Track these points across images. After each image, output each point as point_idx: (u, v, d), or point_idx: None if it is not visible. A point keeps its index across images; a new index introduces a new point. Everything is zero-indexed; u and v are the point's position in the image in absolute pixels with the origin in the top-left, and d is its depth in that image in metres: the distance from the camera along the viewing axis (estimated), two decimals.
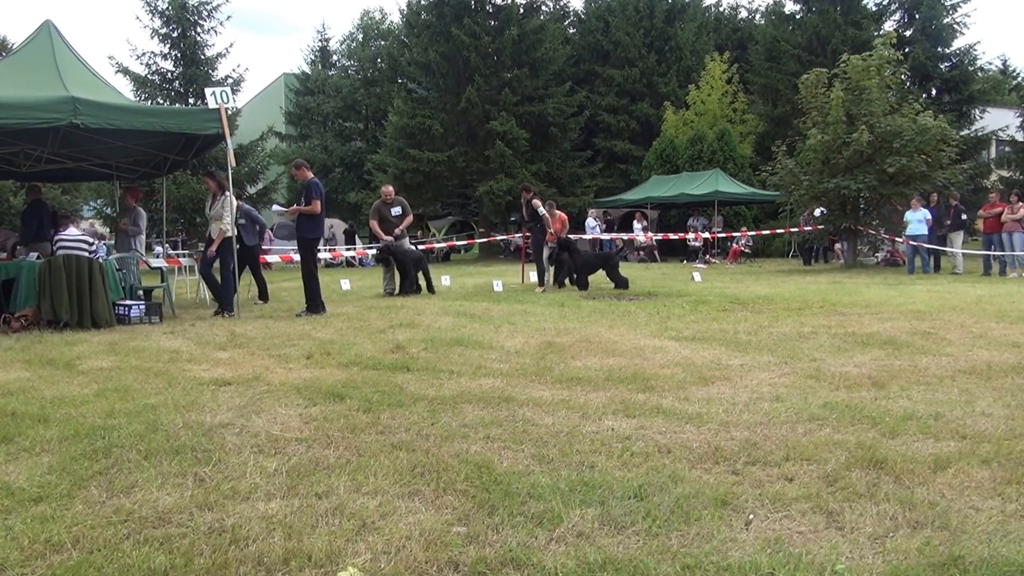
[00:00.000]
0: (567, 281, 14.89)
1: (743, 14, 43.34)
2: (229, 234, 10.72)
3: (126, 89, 27.97)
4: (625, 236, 27.50)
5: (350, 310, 11.07)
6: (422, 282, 13.75)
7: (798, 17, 34.01)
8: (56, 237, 9.88)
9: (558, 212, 16.21)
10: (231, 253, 10.84)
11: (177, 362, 6.89)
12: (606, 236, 27.22)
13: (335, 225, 29.89)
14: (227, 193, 10.81)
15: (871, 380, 5.73)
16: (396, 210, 13.66)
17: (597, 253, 15.44)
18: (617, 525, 3.14)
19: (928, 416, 4.67)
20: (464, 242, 28.56)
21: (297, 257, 11.77)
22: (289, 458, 3.99)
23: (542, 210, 14.51)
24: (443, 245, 29.57)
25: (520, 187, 15.34)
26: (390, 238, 13.50)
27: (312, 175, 11.04)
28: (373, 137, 38.84)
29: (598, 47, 36.57)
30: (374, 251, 15.17)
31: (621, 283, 14.16)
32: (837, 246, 23.39)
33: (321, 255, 15.01)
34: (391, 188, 14.23)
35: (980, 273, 17.55)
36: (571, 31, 38.48)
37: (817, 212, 22.19)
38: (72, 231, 9.85)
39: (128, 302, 10.14)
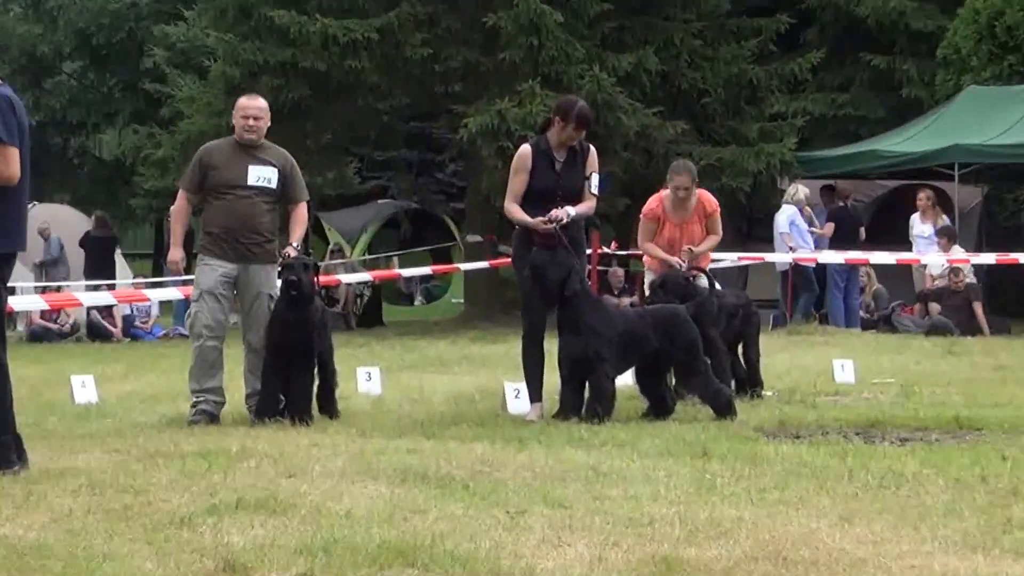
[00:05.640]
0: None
1: None
2: None
3: None
4: (875, 257, 12.46)
5: (95, 459, 4.53)
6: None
7: None
8: None
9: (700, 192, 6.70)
10: None
11: None
12: (819, 255, 12.29)
13: (49, 221, 15.67)
14: None
15: None
16: (266, 171, 5.72)
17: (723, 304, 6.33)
18: None
19: None
20: (426, 270, 14.59)
21: None
22: None
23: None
24: (364, 279, 13.64)
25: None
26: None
27: None
28: None
29: None
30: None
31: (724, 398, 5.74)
32: None
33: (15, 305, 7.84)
34: (257, 104, 5.93)
35: None
36: None
37: None
38: None
39: None
